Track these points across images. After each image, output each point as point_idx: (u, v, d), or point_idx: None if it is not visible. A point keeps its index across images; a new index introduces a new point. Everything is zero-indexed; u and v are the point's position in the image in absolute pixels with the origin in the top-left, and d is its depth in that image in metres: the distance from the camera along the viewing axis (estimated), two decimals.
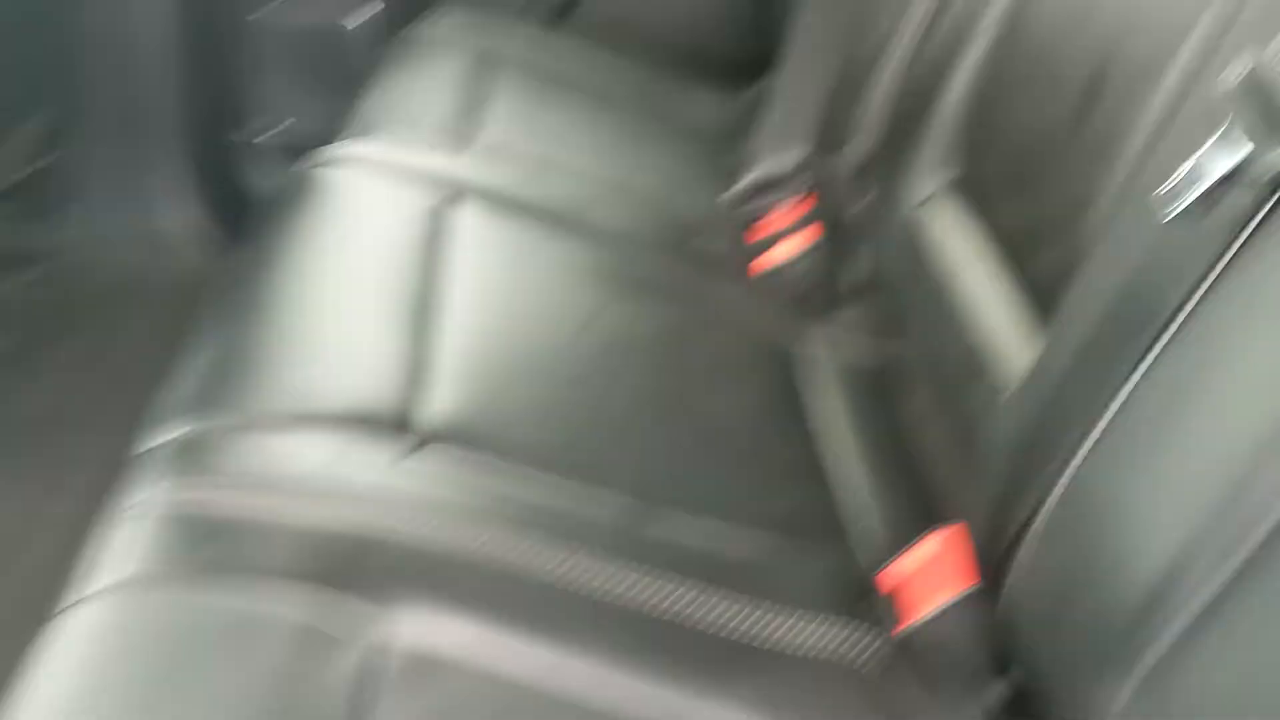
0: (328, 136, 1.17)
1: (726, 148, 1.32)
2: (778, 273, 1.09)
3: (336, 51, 1.58)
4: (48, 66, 1.46)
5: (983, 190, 0.89)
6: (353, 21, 1.57)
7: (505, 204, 1.04)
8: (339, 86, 1.50)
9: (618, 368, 0.90)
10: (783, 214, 1.12)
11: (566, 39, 1.53)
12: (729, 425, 0.87)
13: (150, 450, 0.69)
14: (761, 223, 1.13)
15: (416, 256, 0.92)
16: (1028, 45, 0.85)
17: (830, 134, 1.17)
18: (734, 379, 0.94)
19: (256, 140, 1.63)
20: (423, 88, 1.28)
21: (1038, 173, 0.81)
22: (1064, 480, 0.58)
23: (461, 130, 1.18)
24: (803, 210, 1.11)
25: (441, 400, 0.77)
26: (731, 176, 1.20)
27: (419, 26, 1.44)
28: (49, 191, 1.56)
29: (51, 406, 1.34)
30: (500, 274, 0.96)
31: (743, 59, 1.61)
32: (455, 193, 1.01)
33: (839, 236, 1.12)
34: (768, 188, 1.13)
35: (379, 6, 1.58)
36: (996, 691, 0.64)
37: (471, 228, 0.98)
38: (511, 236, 1.01)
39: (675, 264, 1.06)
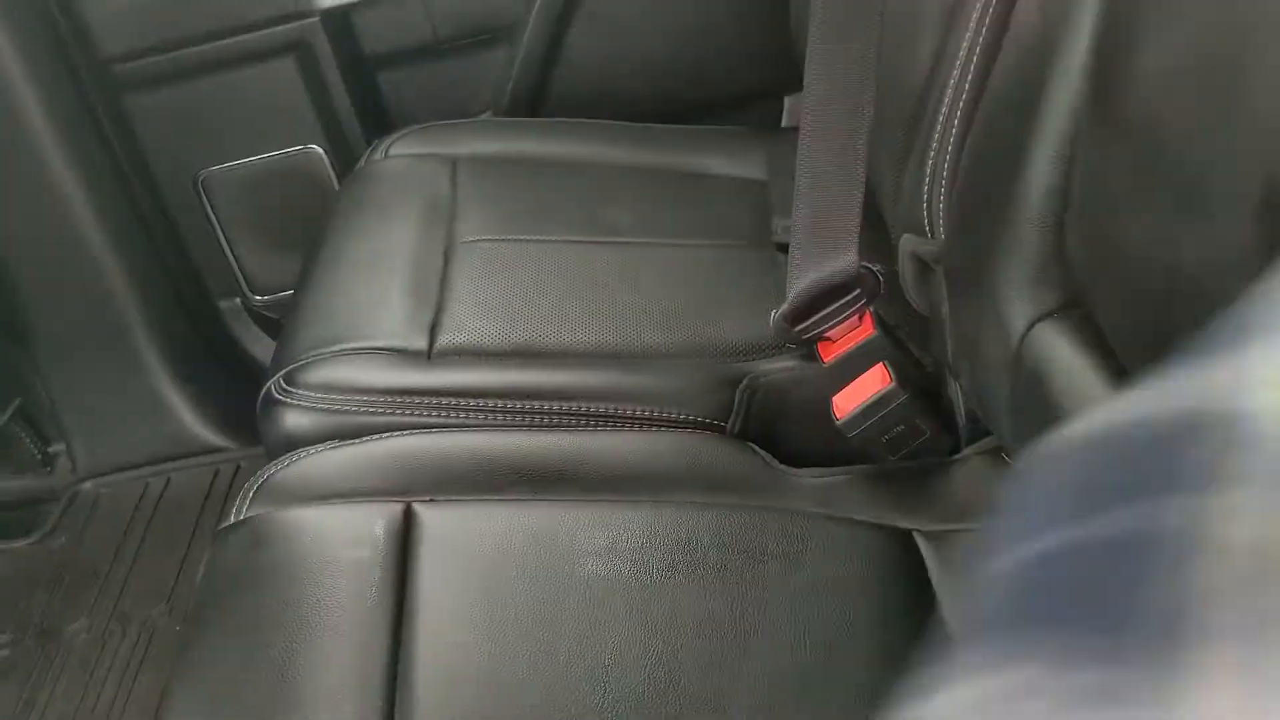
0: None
1: (757, 222, 1.08)
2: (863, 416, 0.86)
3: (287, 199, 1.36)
4: None
5: (1106, 323, 0.65)
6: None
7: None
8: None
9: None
10: (843, 333, 0.89)
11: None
12: None
13: None
14: (823, 346, 0.90)
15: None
16: (1137, 133, 0.60)
17: (876, 232, 0.92)
18: None
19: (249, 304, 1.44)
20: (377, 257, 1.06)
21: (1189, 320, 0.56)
22: None
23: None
24: (864, 331, 0.88)
25: None
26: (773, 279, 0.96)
27: (370, 161, 1.21)
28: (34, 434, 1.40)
29: None
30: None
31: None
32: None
33: (918, 375, 0.89)
34: (820, 301, 0.88)
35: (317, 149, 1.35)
36: None
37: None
38: None
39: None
